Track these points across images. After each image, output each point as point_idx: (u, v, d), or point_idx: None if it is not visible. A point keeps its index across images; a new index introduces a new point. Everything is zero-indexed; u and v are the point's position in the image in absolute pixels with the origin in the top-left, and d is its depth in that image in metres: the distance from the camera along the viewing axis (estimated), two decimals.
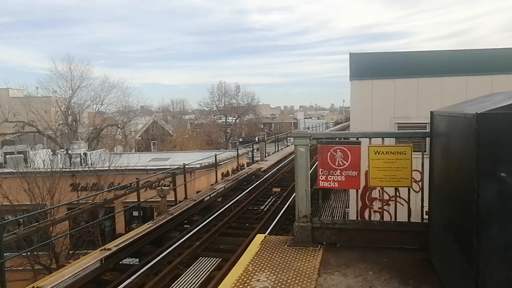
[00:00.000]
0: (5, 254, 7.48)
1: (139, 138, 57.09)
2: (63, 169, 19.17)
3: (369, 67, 9.63)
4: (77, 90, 40.25)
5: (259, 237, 5.07)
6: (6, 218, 14.91)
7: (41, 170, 18.43)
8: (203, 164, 18.97)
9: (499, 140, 2.65)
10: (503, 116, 2.64)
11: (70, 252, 16.23)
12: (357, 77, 9.64)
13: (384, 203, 4.77)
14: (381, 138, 4.70)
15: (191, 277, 8.10)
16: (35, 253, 15.25)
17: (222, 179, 18.66)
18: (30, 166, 20.70)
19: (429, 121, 4.15)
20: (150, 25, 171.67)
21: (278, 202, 14.42)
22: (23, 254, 13.55)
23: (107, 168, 19.65)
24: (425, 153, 4.37)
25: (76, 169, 20.21)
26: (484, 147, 2.65)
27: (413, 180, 4.47)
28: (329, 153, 4.55)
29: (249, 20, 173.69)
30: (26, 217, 13.64)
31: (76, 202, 14.59)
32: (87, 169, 19.86)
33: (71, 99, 40.05)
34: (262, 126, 76.32)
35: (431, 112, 4.08)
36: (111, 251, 8.45)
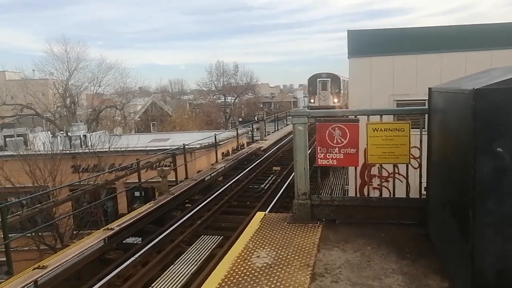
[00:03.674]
0: (10, 235, 7.59)
1: (139, 119, 56.97)
2: (64, 151, 19.24)
3: (367, 44, 9.53)
4: (74, 72, 39.93)
5: (260, 215, 5.14)
6: (9, 200, 15.05)
7: (42, 152, 18.49)
8: (203, 144, 18.99)
9: (496, 115, 2.67)
10: (500, 92, 2.64)
11: (74, 232, 16.45)
12: (355, 54, 9.55)
13: (383, 180, 4.83)
14: (379, 116, 4.71)
15: (193, 254, 8.25)
16: (40, 233, 15.46)
17: (222, 158, 18.74)
18: (31, 149, 20.74)
19: (427, 98, 4.16)
20: (147, 5, 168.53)
21: (278, 180, 14.52)
22: (28, 234, 13.73)
23: (108, 150, 19.71)
24: (423, 129, 4.39)
25: (76, 151, 20.27)
26: (481, 122, 2.66)
27: (411, 156, 4.51)
28: (328, 131, 4.57)
29: None
30: (29, 198, 13.78)
31: (78, 183, 14.70)
32: (88, 151, 19.92)
33: (68, 81, 39.75)
34: (261, 106, 75.89)
35: (429, 89, 4.08)
36: (114, 230, 8.58)
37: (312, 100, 33.73)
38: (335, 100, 32.63)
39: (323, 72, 33.86)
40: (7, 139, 22.59)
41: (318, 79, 33.22)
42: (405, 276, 3.45)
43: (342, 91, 33.22)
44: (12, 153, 18.82)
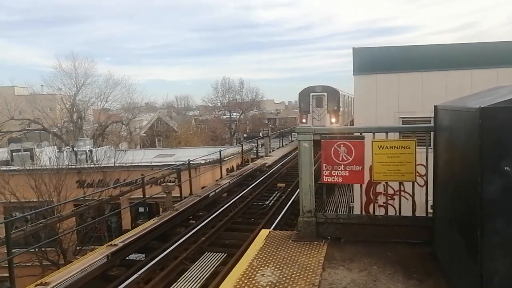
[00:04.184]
0: (13, 250, 7.56)
1: (144, 134, 57.30)
2: (69, 166, 19.32)
3: (372, 62, 9.59)
4: (81, 88, 40.44)
5: (264, 232, 5.09)
6: (14, 215, 15.06)
7: (48, 167, 18.58)
8: (208, 160, 19.02)
9: (503, 134, 2.65)
10: (507, 110, 2.63)
11: (77, 248, 16.38)
12: (361, 71, 9.60)
13: (389, 198, 4.78)
14: (385, 133, 4.70)
15: (196, 272, 8.16)
16: (43, 249, 15.41)
17: (227, 174, 18.70)
18: (37, 163, 20.85)
19: (433, 116, 4.15)
20: (155, 22, 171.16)
21: (283, 197, 14.44)
22: (31, 250, 13.68)
23: (113, 165, 19.77)
24: (429, 147, 4.36)
25: (82, 166, 20.35)
26: (488, 141, 2.65)
27: (417, 174, 4.47)
28: (333, 148, 4.56)
29: (254, 16, 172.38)
30: (34, 213, 13.77)
31: (82, 198, 14.70)
32: (93, 166, 19.99)
33: (76, 96, 40.24)
34: (266, 122, 76.08)
35: (435, 107, 4.07)
36: (118, 247, 8.52)
37: (303, 120, 26.16)
38: (333, 120, 25.91)
39: (317, 85, 26.96)
40: (14, 153, 22.76)
41: (311, 94, 26.41)
42: None
43: (341, 109, 26.80)
44: (19, 167, 18.93)
